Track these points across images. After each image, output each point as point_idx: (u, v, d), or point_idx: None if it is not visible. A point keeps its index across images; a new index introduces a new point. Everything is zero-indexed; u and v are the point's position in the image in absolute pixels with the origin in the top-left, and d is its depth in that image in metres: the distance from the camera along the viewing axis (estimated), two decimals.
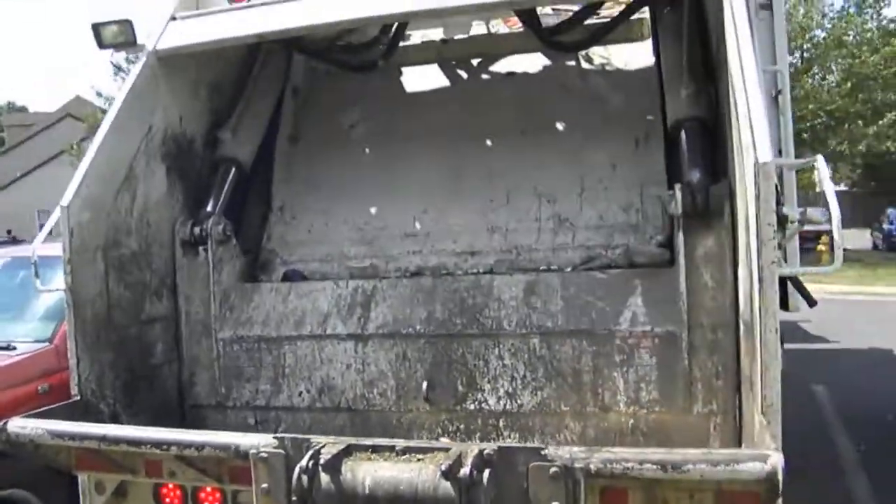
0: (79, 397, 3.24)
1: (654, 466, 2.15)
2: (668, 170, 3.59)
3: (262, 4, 3.66)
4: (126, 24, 3.80)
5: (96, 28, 3.80)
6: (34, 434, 2.85)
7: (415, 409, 3.43)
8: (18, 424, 2.89)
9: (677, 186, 3.11)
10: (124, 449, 2.81)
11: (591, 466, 2.18)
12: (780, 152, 3.46)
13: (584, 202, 3.78)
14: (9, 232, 15.78)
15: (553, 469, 2.20)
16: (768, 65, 3.54)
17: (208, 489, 3.01)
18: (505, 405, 3.32)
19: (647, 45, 4.10)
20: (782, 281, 3.06)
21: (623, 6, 4.19)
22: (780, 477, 2.06)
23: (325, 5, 3.47)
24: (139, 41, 3.79)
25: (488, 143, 4.13)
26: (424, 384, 3.40)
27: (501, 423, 3.33)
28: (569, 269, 3.55)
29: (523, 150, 3.99)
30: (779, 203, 2.60)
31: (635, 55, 4.15)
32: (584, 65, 4.22)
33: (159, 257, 3.72)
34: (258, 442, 2.57)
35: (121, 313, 3.48)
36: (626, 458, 2.18)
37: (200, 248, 3.77)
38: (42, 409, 3.13)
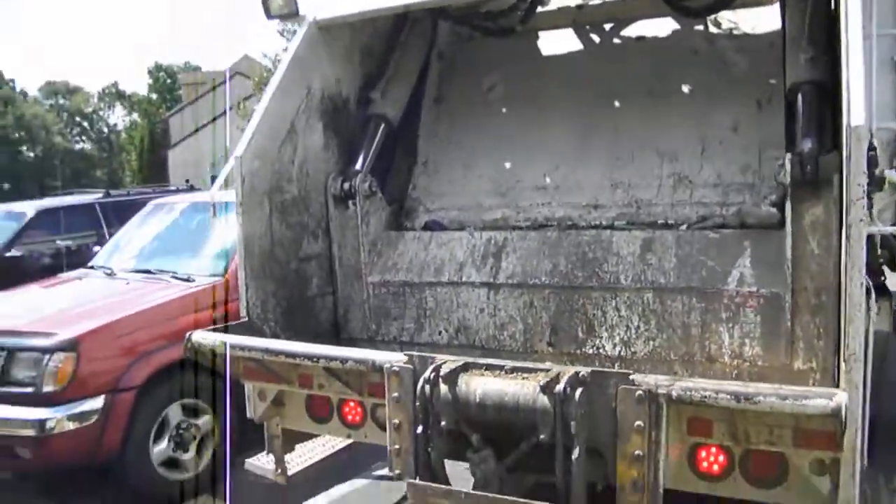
0: (246, 319, 3.77)
1: (729, 396, 2.41)
2: (787, 132, 3.73)
3: None
4: None
5: (264, 0, 4.31)
6: (212, 344, 3.43)
7: (540, 352, 3.76)
8: (200, 336, 3.48)
9: (787, 156, 3.22)
10: (282, 360, 3.33)
11: (673, 393, 2.47)
12: None
13: (703, 161, 3.96)
14: (187, 181, 17.26)
15: (639, 392, 2.51)
16: (890, 28, 3.56)
17: (351, 403, 3.49)
18: (620, 352, 3.60)
19: (775, 8, 4.18)
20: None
21: None
22: (843, 413, 2.28)
23: None
24: (301, 12, 4.28)
25: (616, 104, 4.36)
26: (548, 330, 3.74)
27: (616, 368, 3.60)
28: (683, 227, 3.77)
29: (649, 111, 4.20)
30: (876, 165, 2.74)
31: (762, 19, 4.22)
32: (712, 29, 4.34)
33: (316, 202, 4.20)
34: (391, 358, 3.01)
35: (282, 250, 4.00)
36: (704, 387, 2.46)
37: (350, 202, 4.21)
38: (217, 326, 3.72)
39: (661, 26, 4.48)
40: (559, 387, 2.57)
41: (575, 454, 2.55)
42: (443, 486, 2.79)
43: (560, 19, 4.74)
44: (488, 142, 4.55)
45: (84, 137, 78.19)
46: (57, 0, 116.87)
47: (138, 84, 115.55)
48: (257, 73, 32.61)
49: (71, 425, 4.82)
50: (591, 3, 4.68)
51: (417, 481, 2.82)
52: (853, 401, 2.46)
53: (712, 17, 4.35)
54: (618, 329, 3.65)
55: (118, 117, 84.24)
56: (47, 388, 4.80)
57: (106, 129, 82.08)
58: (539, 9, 4.72)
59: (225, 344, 3.37)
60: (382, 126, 4.41)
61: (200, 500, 5.29)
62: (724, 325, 3.42)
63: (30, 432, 4.75)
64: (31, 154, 66.40)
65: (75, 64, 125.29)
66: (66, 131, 73.03)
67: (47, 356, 4.83)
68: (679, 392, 2.46)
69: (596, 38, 4.68)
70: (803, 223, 3.19)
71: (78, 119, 77.92)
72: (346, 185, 4.17)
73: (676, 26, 4.44)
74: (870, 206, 2.69)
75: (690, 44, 4.35)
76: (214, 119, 44.18)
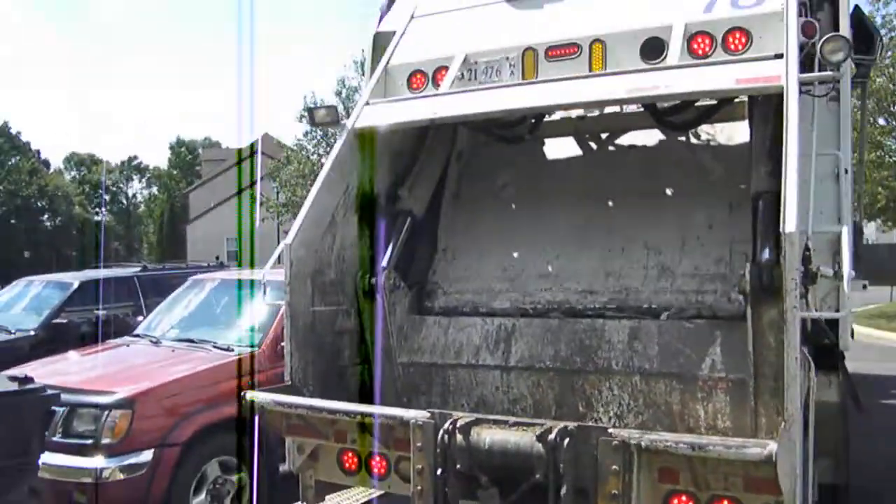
0: (290, 383, 4.37)
1: (686, 445, 3.03)
2: (753, 232, 4.39)
3: (434, 95, 4.78)
4: (332, 109, 5.10)
5: (310, 111, 5.14)
6: (264, 402, 4.06)
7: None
8: (255, 395, 4.12)
9: (747, 267, 3.85)
10: (323, 416, 3.96)
11: (642, 443, 3.09)
12: (839, 221, 4.17)
13: (683, 255, 4.64)
14: (217, 258, 18.18)
15: (615, 442, 3.14)
16: (831, 149, 4.26)
17: (378, 457, 4.05)
18: (614, 423, 4.25)
19: (746, 124, 4.85)
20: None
21: None
22: (774, 460, 2.87)
23: (480, 99, 4.54)
24: (341, 121, 5.04)
25: (610, 203, 5.07)
26: (554, 405, 4.46)
27: None
28: (664, 316, 4.41)
29: (638, 210, 4.90)
30: (809, 262, 3.39)
31: (737, 131, 4.92)
32: (693, 140, 5.07)
33: (350, 286, 4.84)
34: (417, 414, 3.64)
35: (321, 325, 4.63)
36: (667, 438, 3.09)
37: (377, 295, 4.85)
38: (267, 388, 4.36)
39: (650, 137, 5.21)
40: (551, 437, 3.21)
41: (563, 491, 3.17)
42: None
43: (563, 129, 5.48)
44: (500, 234, 5.26)
45: (103, 209, 79.84)
46: (84, 74, 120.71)
47: (159, 158, 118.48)
48: (277, 152, 33.71)
49: (123, 475, 5.41)
50: (589, 115, 5.44)
51: None
52: (789, 452, 3.05)
53: (693, 129, 5.09)
54: (612, 405, 4.35)
55: (136, 190, 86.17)
56: (105, 441, 5.42)
57: (124, 202, 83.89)
58: (546, 118, 5.49)
59: (273, 402, 4.01)
60: (409, 220, 5.10)
61: None
62: (700, 403, 4.13)
63: (88, 480, 5.35)
64: (50, 224, 67.81)
65: (98, 136, 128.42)
66: (86, 202, 74.63)
67: (106, 412, 5.47)
68: (647, 442, 3.08)
69: (594, 146, 5.42)
70: (762, 322, 3.78)
71: (98, 190, 79.70)
72: (373, 281, 4.80)
73: (663, 137, 5.17)
74: (804, 296, 3.32)
75: (674, 152, 5.06)
76: (232, 196, 45.17)
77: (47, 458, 5.09)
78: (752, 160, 4.43)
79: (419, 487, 3.56)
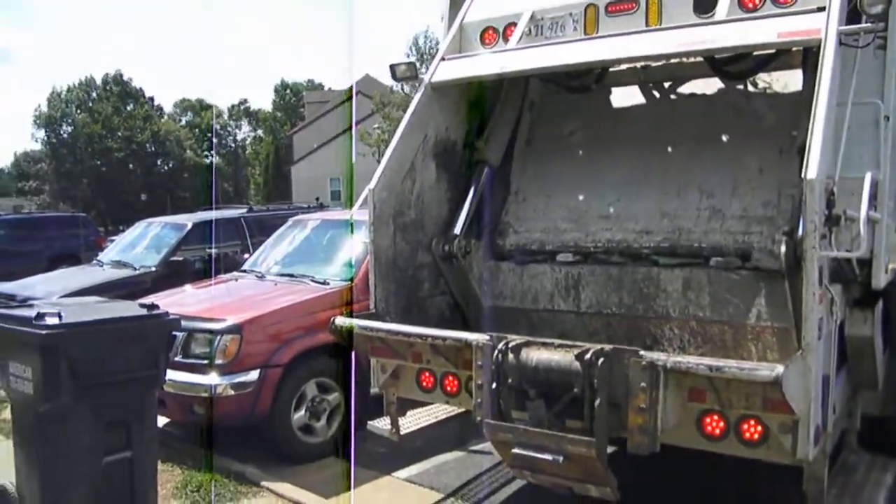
0: (375, 311, 4.97)
1: (705, 367, 3.47)
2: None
3: (502, 51, 5.19)
4: (411, 65, 5.58)
5: (392, 67, 5.59)
6: (349, 326, 4.68)
7: None
8: (340, 320, 4.74)
9: (783, 239, 4.26)
10: (399, 338, 4.54)
11: (668, 364, 3.55)
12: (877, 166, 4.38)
13: (734, 198, 4.96)
14: (317, 199, 19.16)
15: (643, 363, 3.61)
16: (872, 97, 4.44)
17: (450, 377, 4.61)
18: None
19: (800, 72, 4.99)
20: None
21: None
22: (780, 381, 3.23)
23: (544, 54, 4.93)
24: (419, 75, 5.51)
25: (669, 148, 5.40)
26: (625, 342, 4.82)
27: None
28: (713, 262, 4.77)
29: (694, 155, 5.22)
30: (833, 206, 3.70)
31: (791, 80, 5.10)
32: (750, 87, 5.30)
33: (428, 224, 5.38)
34: (478, 337, 4.18)
35: (402, 260, 5.19)
36: (688, 360, 3.53)
37: (452, 260, 5.40)
38: (353, 314, 4.97)
39: (710, 85, 5.44)
40: (588, 356, 3.70)
41: (597, 403, 3.67)
42: (509, 424, 3.94)
43: (628, 78, 5.77)
44: (566, 177, 5.68)
45: (212, 152, 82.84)
46: (192, 23, 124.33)
47: (264, 101, 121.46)
48: (377, 93, 34.38)
49: (233, 391, 6.18)
50: (653, 65, 5.73)
51: (492, 421, 3.98)
52: (802, 376, 3.42)
53: (751, 78, 5.33)
54: (674, 342, 4.85)
55: (244, 133, 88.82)
56: (217, 361, 6.19)
57: (233, 145, 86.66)
58: (611, 69, 5.81)
59: (358, 327, 4.63)
60: (486, 169, 5.59)
61: (329, 460, 6.57)
62: (751, 342, 4.60)
63: (204, 394, 6.15)
64: (164, 167, 71.02)
65: (207, 82, 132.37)
66: (196, 146, 77.60)
67: (218, 337, 6.24)
68: (671, 364, 3.54)
69: (656, 94, 5.71)
70: (796, 281, 4.07)
71: (207, 135, 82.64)
72: (447, 248, 5.36)
73: (721, 85, 5.42)
74: (825, 236, 3.63)
75: (731, 100, 5.29)
76: (334, 137, 46.12)
77: (171, 374, 5.80)
78: (800, 110, 4.66)
79: (479, 400, 4.12)
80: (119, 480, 4.49)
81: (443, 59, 5.42)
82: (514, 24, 5.30)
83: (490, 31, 5.48)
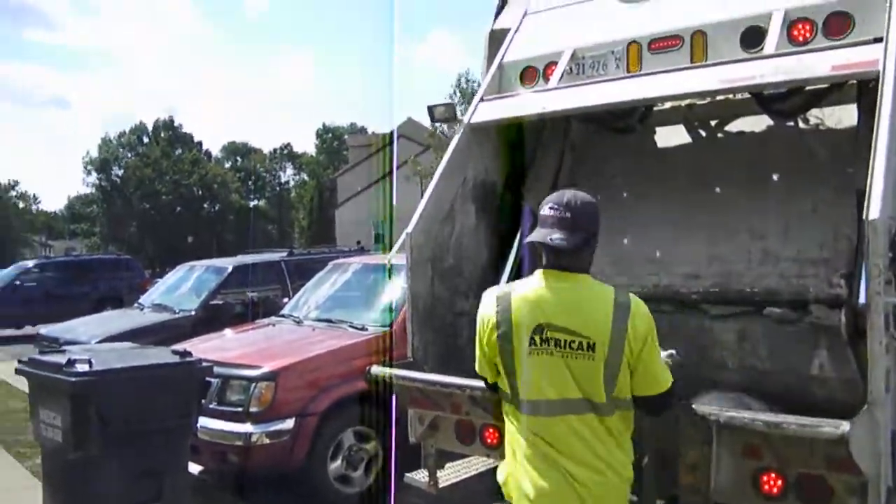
0: (412, 360, 4.79)
1: (761, 423, 3.23)
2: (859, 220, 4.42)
3: (543, 91, 5.06)
4: (450, 106, 5.48)
5: (430, 108, 5.49)
6: (386, 376, 4.52)
7: None
8: (376, 369, 4.58)
9: (843, 311, 4.07)
10: (438, 389, 4.37)
11: (721, 419, 3.31)
12: None
13: (787, 239, 4.74)
14: (358, 242, 19.15)
15: (696, 417, 3.37)
16: None
17: (491, 428, 4.39)
18: None
19: (855, 107, 4.75)
20: None
21: None
22: (847, 439, 2.99)
23: (586, 93, 4.78)
24: (458, 116, 5.41)
25: (717, 189, 5.20)
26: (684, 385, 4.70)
27: None
28: (766, 312, 4.56)
29: (743, 196, 5.00)
30: None
31: (846, 115, 4.86)
32: (801, 124, 5.09)
33: (467, 270, 5.21)
34: None
35: (440, 307, 5.02)
36: (744, 415, 3.30)
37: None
38: (391, 361, 4.82)
39: (759, 123, 5.24)
40: None
41: (645, 461, 3.42)
42: None
43: (672, 117, 5.59)
44: (610, 220, 5.45)
45: (257, 195, 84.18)
46: (238, 68, 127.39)
47: (307, 145, 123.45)
48: (434, 128, 34.48)
49: (269, 440, 6.03)
50: (699, 103, 5.56)
51: None
52: (869, 433, 3.15)
53: (802, 114, 5.12)
54: (735, 388, 4.49)
55: (288, 176, 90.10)
56: (253, 409, 6.05)
57: (277, 188, 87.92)
58: (655, 107, 5.64)
59: (395, 377, 4.46)
60: (530, 213, 5.40)
61: None
62: (816, 388, 4.35)
63: (239, 443, 6.01)
64: (210, 210, 72.21)
65: (252, 126, 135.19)
66: (241, 189, 78.90)
67: (254, 384, 6.11)
68: (725, 418, 3.30)
69: (703, 133, 5.53)
70: (858, 345, 3.86)
71: (252, 177, 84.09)
72: None
73: (770, 122, 5.20)
74: (892, 282, 3.40)
75: (782, 137, 5.07)
76: (377, 180, 46.41)
77: (205, 422, 5.77)
78: (857, 146, 4.45)
79: None
80: None
81: (482, 99, 5.30)
82: (555, 63, 5.17)
83: (530, 71, 5.36)
